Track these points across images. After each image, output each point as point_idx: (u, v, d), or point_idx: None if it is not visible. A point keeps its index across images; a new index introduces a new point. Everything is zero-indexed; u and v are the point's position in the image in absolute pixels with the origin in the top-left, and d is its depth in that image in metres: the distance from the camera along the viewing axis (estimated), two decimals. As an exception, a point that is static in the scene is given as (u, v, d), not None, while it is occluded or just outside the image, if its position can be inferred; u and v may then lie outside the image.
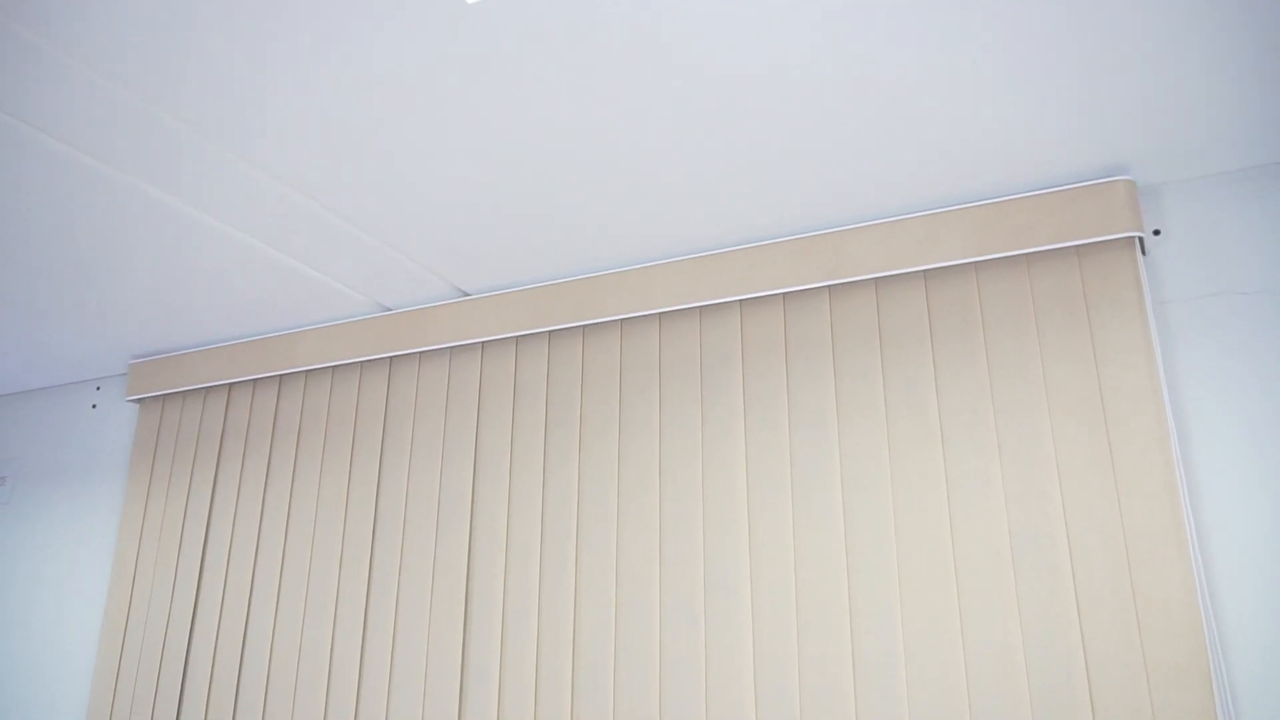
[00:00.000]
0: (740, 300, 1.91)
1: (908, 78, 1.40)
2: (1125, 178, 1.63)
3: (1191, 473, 1.53)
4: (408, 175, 1.67)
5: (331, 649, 2.10)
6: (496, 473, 2.04)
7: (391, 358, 2.28)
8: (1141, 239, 1.63)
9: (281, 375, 2.43)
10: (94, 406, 2.90)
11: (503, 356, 2.13)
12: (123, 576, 2.49)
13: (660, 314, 1.98)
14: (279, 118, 1.45)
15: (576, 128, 1.53)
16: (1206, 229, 1.65)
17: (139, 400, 2.68)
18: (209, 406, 2.53)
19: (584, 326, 2.05)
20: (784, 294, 1.87)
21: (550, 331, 2.09)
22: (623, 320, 2.01)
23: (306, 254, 2.00)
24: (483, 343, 2.16)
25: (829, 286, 1.84)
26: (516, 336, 2.12)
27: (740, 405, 1.83)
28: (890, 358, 1.73)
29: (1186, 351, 1.59)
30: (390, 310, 2.30)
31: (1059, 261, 1.66)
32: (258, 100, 1.40)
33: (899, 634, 1.58)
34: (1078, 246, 1.66)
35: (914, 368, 1.71)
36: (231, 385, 2.51)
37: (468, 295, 2.21)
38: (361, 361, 2.32)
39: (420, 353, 2.24)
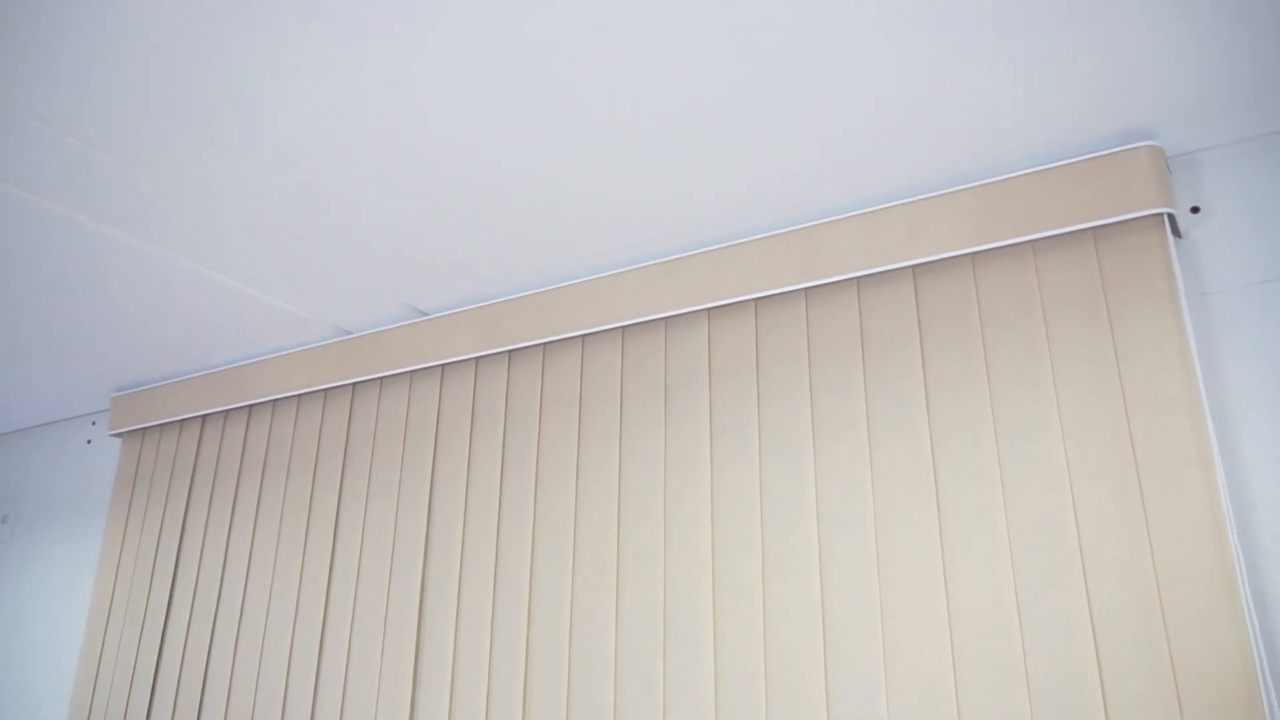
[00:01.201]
0: (708, 309, 1.67)
1: (878, 34, 1.16)
2: (1150, 144, 1.35)
3: (1241, 503, 1.23)
4: (353, 196, 1.53)
5: (285, 695, 1.93)
6: (451, 510, 1.85)
7: (354, 385, 2.12)
8: (1172, 217, 1.34)
9: (251, 406, 2.30)
10: (89, 442, 2.84)
11: (461, 380, 1.94)
12: (99, 615, 2.38)
13: (623, 327, 1.76)
14: (228, 158, 1.42)
15: (525, 129, 1.35)
16: (1256, 203, 1.35)
17: (121, 434, 2.60)
18: (183, 439, 2.42)
19: (545, 345, 1.85)
20: (756, 299, 1.63)
21: (510, 351, 1.89)
22: (584, 336, 1.80)
23: (264, 282, 1.89)
24: (442, 365, 1.98)
25: (805, 289, 1.59)
26: (476, 358, 1.94)
27: (707, 430, 1.60)
28: (874, 369, 1.47)
29: (1233, 352, 1.29)
30: (350, 334, 2.14)
31: (1072, 248, 1.38)
32: (207, 143, 1.38)
33: (883, 703, 1.31)
34: (1094, 229, 1.38)
35: (901, 380, 1.44)
36: (205, 417, 2.40)
37: (425, 315, 2.03)
38: (325, 389, 2.16)
39: (381, 378, 2.08)
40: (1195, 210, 1.39)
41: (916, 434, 1.40)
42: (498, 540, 1.76)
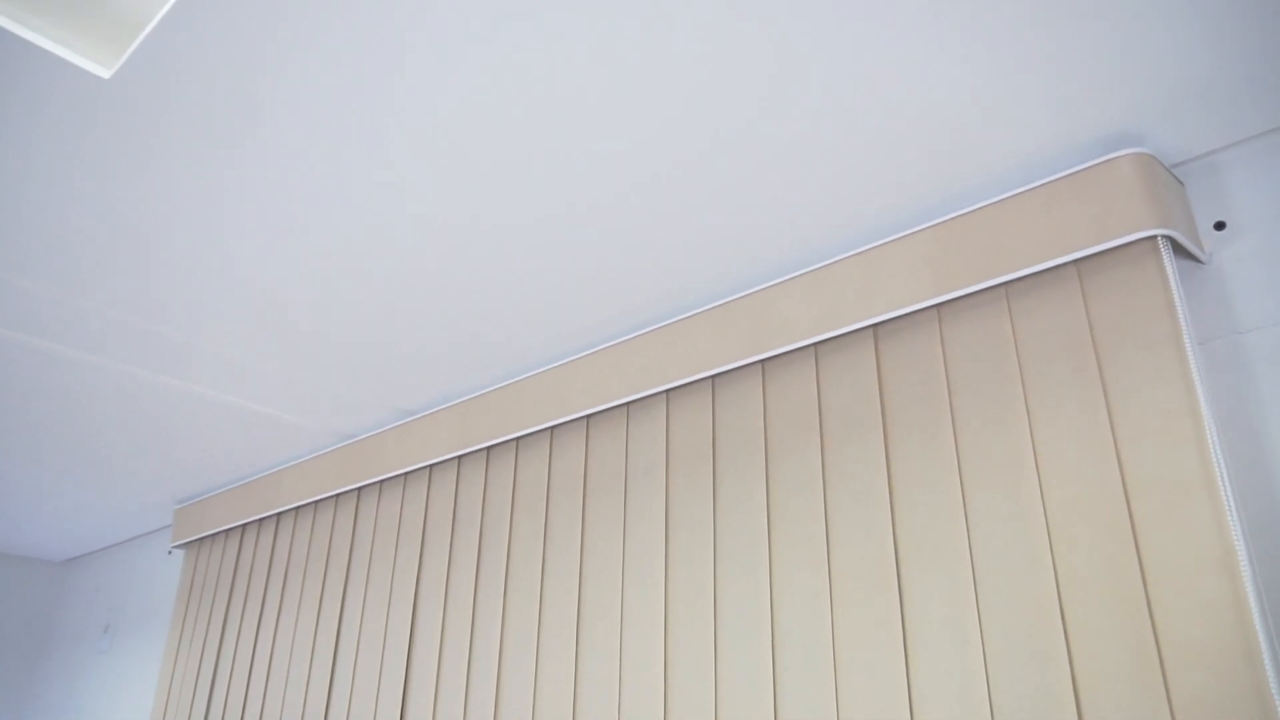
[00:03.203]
0: (666, 390, 1.49)
1: (813, 53, 0.99)
2: (1135, 151, 1.07)
3: (1296, 617, 0.90)
4: (322, 313, 1.55)
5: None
6: (430, 619, 1.73)
7: (359, 490, 2.07)
8: (1173, 239, 1.04)
9: (279, 514, 2.30)
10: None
11: (445, 480, 1.84)
12: (158, 713, 2.42)
13: (587, 416, 1.61)
14: (216, 305, 1.54)
15: (472, 227, 1.28)
16: (1295, 207, 1.04)
17: (184, 545, 2.68)
18: (226, 549, 2.45)
19: (518, 439, 1.72)
20: (712, 377, 1.44)
21: (489, 448, 1.78)
22: (553, 428, 1.66)
23: (269, 399, 1.93)
24: (430, 467, 1.89)
25: (762, 361, 1.38)
26: (458, 456, 1.83)
27: (662, 530, 1.40)
28: (833, 452, 1.24)
29: (1274, 406, 0.97)
30: (351, 438, 2.10)
31: (1051, 289, 1.11)
32: (195, 296, 1.51)
33: None
34: (1077, 263, 1.10)
35: (862, 464, 1.20)
36: (244, 527, 2.43)
37: (412, 414, 1.96)
38: (336, 495, 2.13)
39: (381, 482, 2.01)
40: (1219, 227, 1.09)
41: (877, 531, 1.15)
42: (470, 649, 1.62)
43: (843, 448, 1.23)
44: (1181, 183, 1.13)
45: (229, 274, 1.43)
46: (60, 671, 3.30)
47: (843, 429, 1.24)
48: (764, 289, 1.36)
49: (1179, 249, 1.06)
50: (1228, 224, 1.08)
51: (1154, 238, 1.04)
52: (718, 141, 1.10)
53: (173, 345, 1.68)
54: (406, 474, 1.95)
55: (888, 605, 1.11)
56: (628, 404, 1.55)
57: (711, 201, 1.21)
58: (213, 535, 2.54)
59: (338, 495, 2.13)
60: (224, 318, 1.57)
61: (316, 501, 2.18)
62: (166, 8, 0.93)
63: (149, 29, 0.96)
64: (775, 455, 1.30)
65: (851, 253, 1.27)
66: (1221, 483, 0.91)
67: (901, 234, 1.23)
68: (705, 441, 1.40)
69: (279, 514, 2.31)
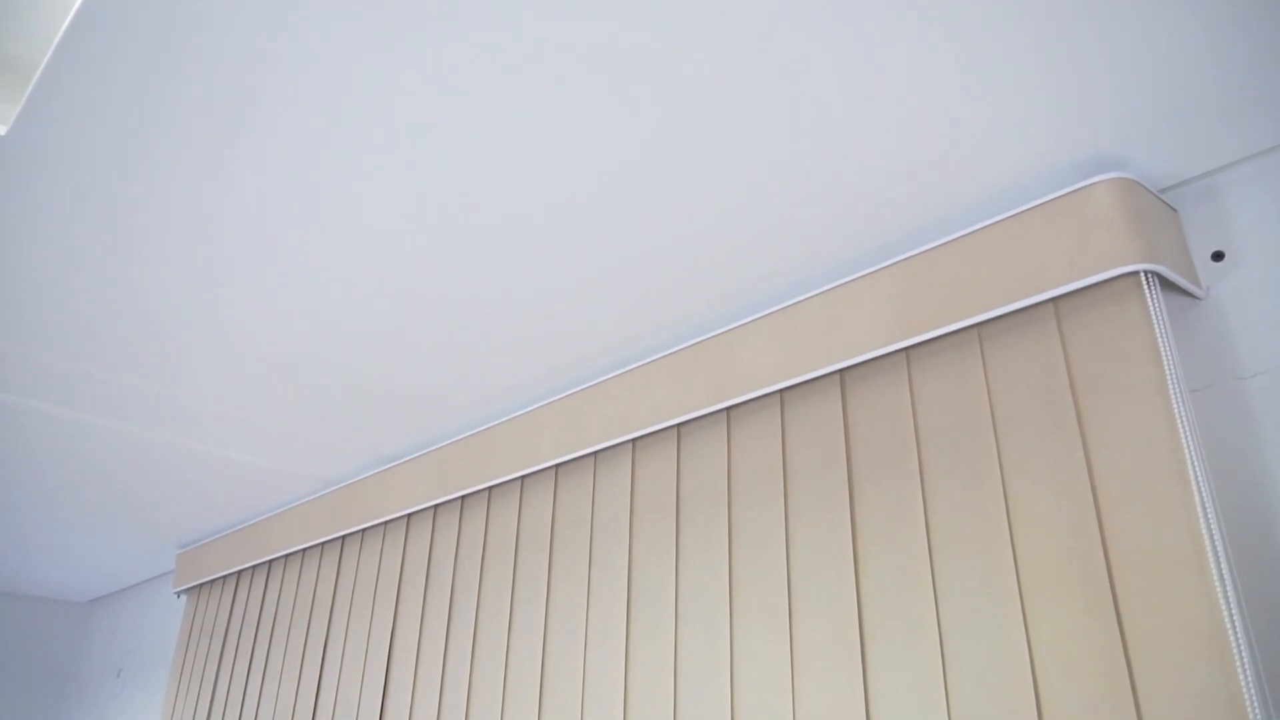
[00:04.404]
0: (632, 439, 1.40)
1: (775, 77, 0.91)
2: (1116, 175, 0.96)
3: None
4: (300, 364, 1.51)
5: None
6: (403, 672, 1.65)
7: (343, 538, 2.01)
8: (1156, 275, 0.93)
9: (270, 561, 2.26)
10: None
11: (421, 530, 1.77)
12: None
13: (556, 466, 1.52)
14: (202, 364, 1.53)
15: (443, 273, 1.21)
16: (1301, 234, 0.92)
17: (186, 590, 2.65)
18: (223, 596, 2.42)
19: (490, 489, 1.65)
20: (678, 425, 1.34)
21: (462, 497, 1.70)
22: (524, 477, 1.58)
23: (255, 449, 1.90)
24: (407, 516, 1.82)
25: (727, 409, 1.28)
26: (435, 505, 1.76)
27: (625, 593, 1.30)
28: (797, 512, 1.13)
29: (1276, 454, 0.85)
30: (334, 485, 2.05)
31: (1026, 330, 1.00)
32: (188, 361, 1.51)
33: None
34: (1054, 300, 0.99)
35: (826, 525, 1.09)
36: (239, 573, 2.39)
37: (391, 461, 1.90)
38: (322, 544, 2.07)
39: (362, 531, 1.95)
40: (1218, 257, 0.97)
41: (842, 600, 1.04)
42: (440, 706, 1.54)
43: (807, 506, 1.12)
44: (1174, 209, 1.01)
45: (209, 327, 1.40)
46: (80, 713, 3.30)
47: (807, 485, 1.13)
48: (727, 331, 1.27)
49: (1170, 284, 0.95)
50: (1227, 254, 0.96)
51: (1136, 273, 0.92)
52: (681, 183, 1.02)
53: (161, 403, 1.67)
54: (386, 524, 1.88)
55: (851, 681, 1.00)
56: (595, 454, 1.46)
57: (676, 242, 1.13)
58: (210, 581, 2.51)
59: (323, 544, 2.07)
60: (201, 370, 1.54)
61: (304, 550, 2.13)
62: (49, 54, 0.88)
63: (37, 77, 0.91)
64: (738, 513, 1.20)
65: (815, 292, 1.17)
66: (1213, 554, 0.79)
67: (866, 271, 1.12)
68: (669, 496, 1.30)
69: (270, 561, 2.26)
